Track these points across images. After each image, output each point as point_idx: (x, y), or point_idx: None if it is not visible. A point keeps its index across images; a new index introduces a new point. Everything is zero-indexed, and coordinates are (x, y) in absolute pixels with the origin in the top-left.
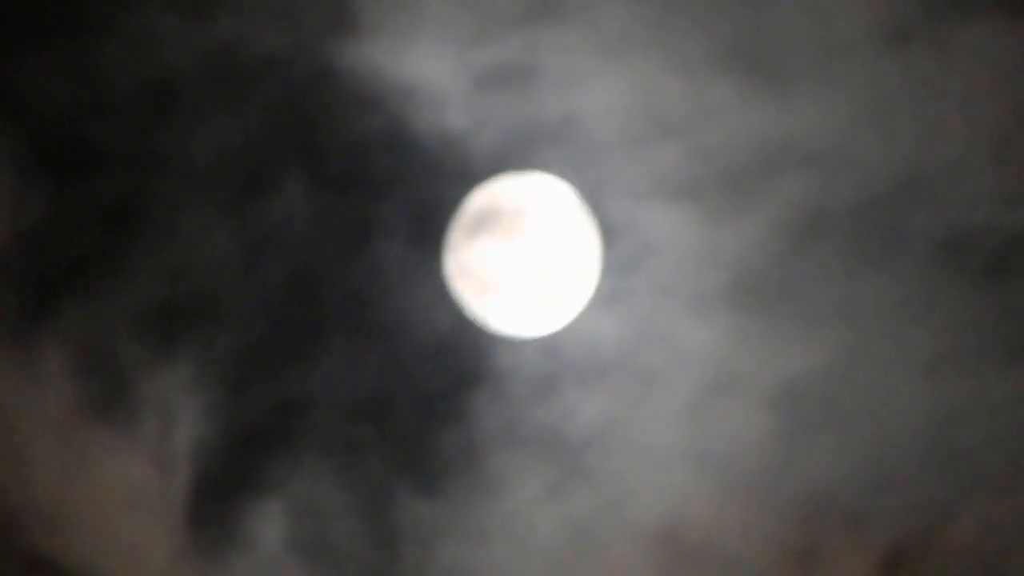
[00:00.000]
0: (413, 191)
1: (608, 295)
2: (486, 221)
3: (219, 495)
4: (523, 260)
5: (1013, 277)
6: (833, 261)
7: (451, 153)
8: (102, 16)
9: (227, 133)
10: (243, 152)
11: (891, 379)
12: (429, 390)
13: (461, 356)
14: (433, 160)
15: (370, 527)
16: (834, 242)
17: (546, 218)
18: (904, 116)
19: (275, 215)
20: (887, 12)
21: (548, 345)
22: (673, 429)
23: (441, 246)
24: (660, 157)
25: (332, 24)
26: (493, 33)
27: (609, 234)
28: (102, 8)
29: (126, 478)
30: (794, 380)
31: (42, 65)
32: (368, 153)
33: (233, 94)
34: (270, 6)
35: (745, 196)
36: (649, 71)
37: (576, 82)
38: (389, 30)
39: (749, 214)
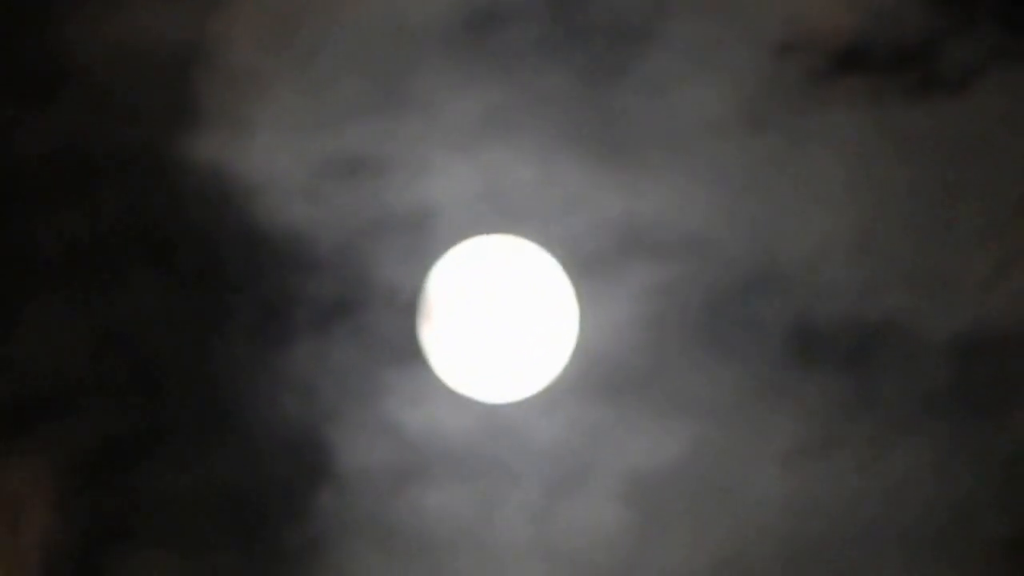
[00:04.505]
0: (259, 285)
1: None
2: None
3: None
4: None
5: (871, 367)
6: (688, 351)
7: (296, 246)
8: None
9: (72, 227)
10: (89, 247)
11: (748, 470)
12: (276, 484)
13: (309, 450)
14: (279, 253)
15: None
16: (689, 332)
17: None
18: (760, 205)
19: (122, 310)
20: (741, 99)
21: (395, 439)
22: (523, 525)
23: (288, 340)
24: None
25: (174, 117)
26: (337, 123)
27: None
28: None
29: None
30: (648, 473)
31: None
32: (214, 247)
33: (78, 187)
34: (113, 98)
35: (597, 286)
36: (498, 161)
37: (424, 172)
38: (232, 122)
39: (601, 304)
